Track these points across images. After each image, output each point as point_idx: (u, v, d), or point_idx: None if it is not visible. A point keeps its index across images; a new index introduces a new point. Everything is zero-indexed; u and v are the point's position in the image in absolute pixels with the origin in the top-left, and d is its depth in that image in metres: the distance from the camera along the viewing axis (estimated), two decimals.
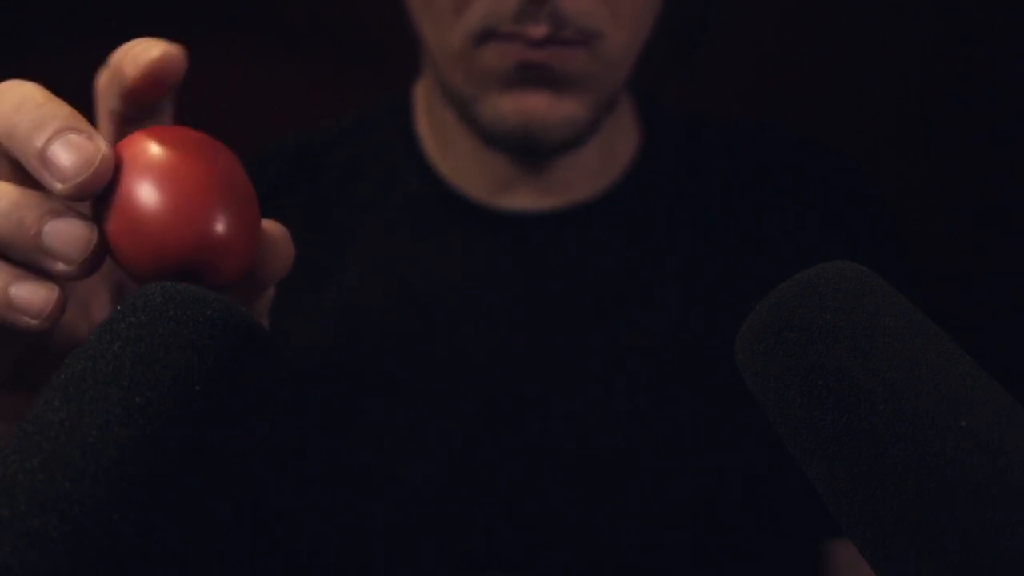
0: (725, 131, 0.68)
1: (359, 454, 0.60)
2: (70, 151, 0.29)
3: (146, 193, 0.30)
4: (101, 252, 0.30)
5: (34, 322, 0.30)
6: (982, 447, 0.26)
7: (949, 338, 0.29)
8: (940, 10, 0.89)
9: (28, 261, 0.30)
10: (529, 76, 0.54)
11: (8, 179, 0.32)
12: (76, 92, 0.34)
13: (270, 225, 0.34)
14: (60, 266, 0.30)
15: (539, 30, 0.52)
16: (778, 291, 0.30)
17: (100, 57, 0.34)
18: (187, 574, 0.26)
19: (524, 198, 0.63)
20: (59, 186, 0.29)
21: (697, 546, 0.59)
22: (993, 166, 0.91)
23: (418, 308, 0.62)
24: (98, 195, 0.30)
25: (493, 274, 0.62)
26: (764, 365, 0.30)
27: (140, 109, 0.34)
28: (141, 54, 0.32)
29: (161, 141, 0.31)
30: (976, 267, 0.93)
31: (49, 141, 0.29)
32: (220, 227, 0.30)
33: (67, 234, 0.30)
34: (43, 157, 0.29)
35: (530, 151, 0.58)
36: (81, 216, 0.30)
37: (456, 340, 0.61)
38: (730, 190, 0.65)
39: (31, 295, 0.30)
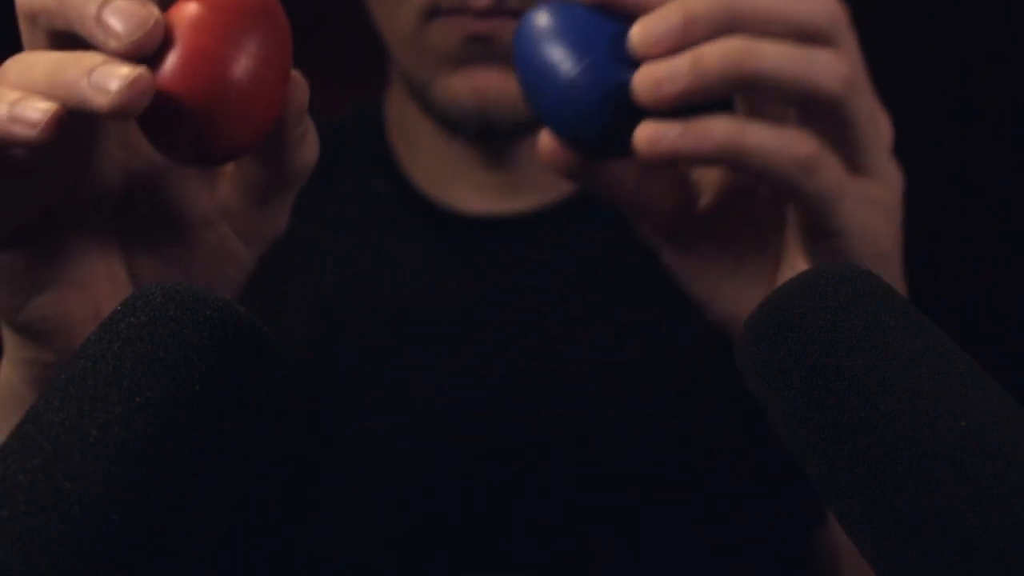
0: None
1: (352, 455, 0.60)
2: (123, 15, 0.31)
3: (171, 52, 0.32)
4: (155, 38, 0.32)
5: (121, 44, 0.31)
6: (982, 447, 0.26)
7: (949, 338, 0.29)
8: (940, 10, 0.89)
9: (85, 35, 0.31)
10: (477, 51, 0.54)
11: None
12: None
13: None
14: (113, 43, 0.31)
15: (482, 1, 0.52)
16: (778, 291, 0.30)
17: None
18: (187, 574, 0.26)
19: (494, 201, 0.62)
20: (114, 43, 0.31)
21: (695, 546, 0.59)
22: (993, 166, 0.91)
23: (391, 315, 0.61)
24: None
25: (466, 280, 0.61)
26: (764, 365, 0.30)
27: None
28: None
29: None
30: (976, 267, 0.93)
31: (103, 5, 0.31)
32: (238, 73, 0.32)
33: (126, 11, 0.31)
34: (99, 19, 0.31)
35: (487, 131, 0.57)
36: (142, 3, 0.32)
37: (431, 347, 0.60)
38: None
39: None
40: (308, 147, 0.38)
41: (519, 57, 0.37)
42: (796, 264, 0.39)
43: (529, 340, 0.61)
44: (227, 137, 0.33)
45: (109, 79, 0.31)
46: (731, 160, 0.35)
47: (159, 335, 0.27)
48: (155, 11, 0.31)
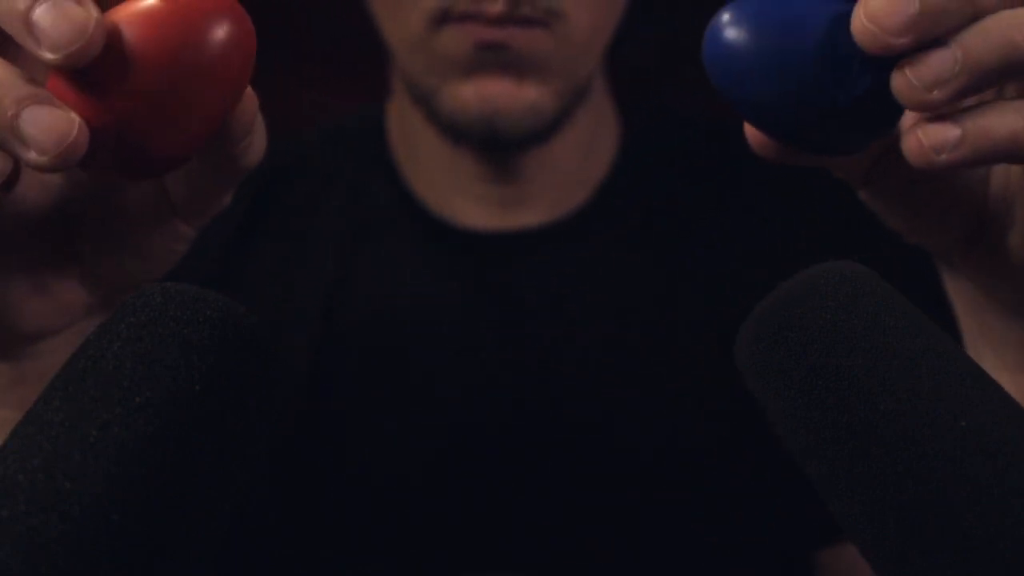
0: (718, 133, 0.67)
1: (352, 456, 0.60)
2: (58, 16, 0.27)
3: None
4: (80, 145, 0.28)
5: (41, 158, 0.27)
6: (982, 447, 0.26)
7: (949, 338, 0.29)
8: None
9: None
10: (489, 59, 0.53)
11: None
12: None
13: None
14: (32, 155, 0.27)
15: (496, 7, 0.51)
16: (778, 291, 0.30)
17: None
18: (187, 574, 0.26)
19: (497, 215, 0.61)
20: (48, 55, 0.27)
21: (695, 546, 0.59)
22: None
23: (390, 318, 0.61)
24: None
25: (465, 285, 0.61)
26: (764, 365, 0.30)
27: None
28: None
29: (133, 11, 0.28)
30: None
31: (34, 3, 0.27)
32: (173, 84, 0.28)
33: (45, 122, 0.27)
34: (28, 21, 0.27)
35: (494, 142, 0.56)
36: (62, 107, 0.28)
37: (430, 351, 0.60)
38: (721, 196, 0.63)
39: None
40: (253, 151, 0.34)
41: (715, 53, 0.31)
42: None
43: (528, 344, 0.60)
44: (152, 154, 0.30)
45: (42, 131, 0.27)
46: (1008, 156, 0.30)
47: (159, 335, 0.27)
48: (94, 11, 0.27)
